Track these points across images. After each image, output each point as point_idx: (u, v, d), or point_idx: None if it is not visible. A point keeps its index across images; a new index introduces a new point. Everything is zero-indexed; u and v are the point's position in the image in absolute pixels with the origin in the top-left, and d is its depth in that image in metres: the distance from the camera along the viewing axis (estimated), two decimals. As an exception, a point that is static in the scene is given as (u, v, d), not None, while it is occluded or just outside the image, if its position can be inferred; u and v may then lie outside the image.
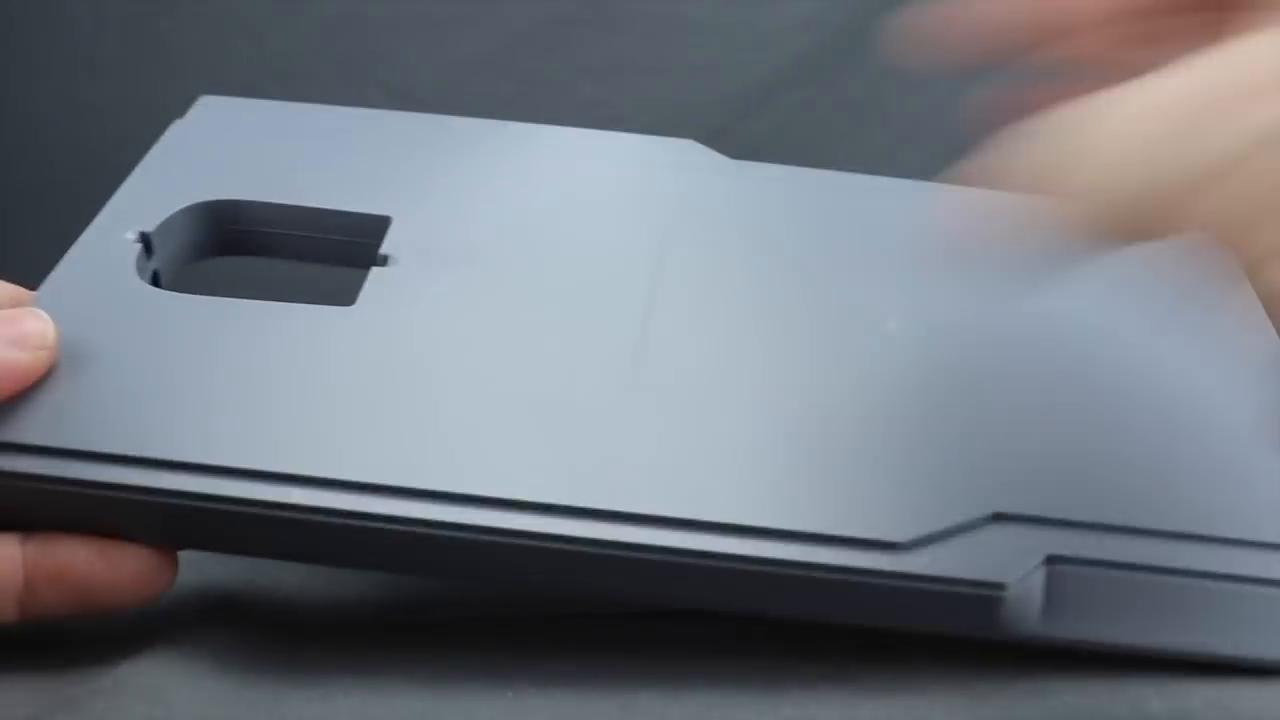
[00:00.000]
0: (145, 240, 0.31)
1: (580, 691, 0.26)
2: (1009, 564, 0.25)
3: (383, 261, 0.31)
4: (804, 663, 0.27)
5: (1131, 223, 0.22)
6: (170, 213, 0.31)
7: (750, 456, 0.27)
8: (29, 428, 0.26)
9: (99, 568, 0.25)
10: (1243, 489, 0.27)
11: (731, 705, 0.26)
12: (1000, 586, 0.25)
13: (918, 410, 0.28)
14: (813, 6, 0.58)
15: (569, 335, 0.29)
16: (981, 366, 0.30)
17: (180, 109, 0.36)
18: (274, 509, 0.25)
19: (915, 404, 0.28)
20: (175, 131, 0.34)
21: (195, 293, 0.29)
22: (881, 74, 0.59)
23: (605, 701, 0.26)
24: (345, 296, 0.30)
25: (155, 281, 0.31)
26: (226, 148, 0.34)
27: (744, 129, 0.58)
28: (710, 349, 0.29)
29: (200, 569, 0.30)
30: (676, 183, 0.34)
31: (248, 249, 0.33)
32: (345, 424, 0.26)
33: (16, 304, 0.28)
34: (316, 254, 0.33)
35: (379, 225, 0.32)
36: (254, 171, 0.33)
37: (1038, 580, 0.25)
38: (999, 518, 0.26)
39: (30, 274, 0.30)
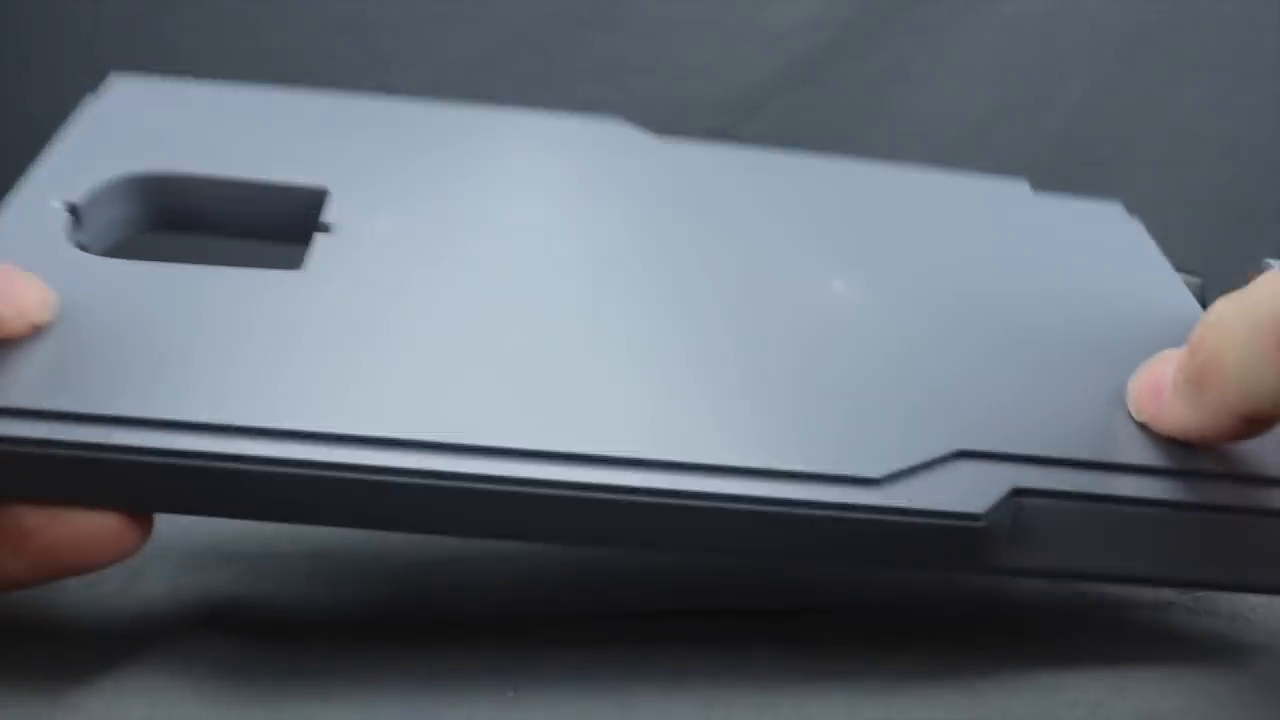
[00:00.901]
0: (74, 210, 0.30)
1: (580, 691, 0.26)
2: (980, 495, 0.26)
3: (325, 229, 0.30)
4: (804, 663, 0.27)
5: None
6: (98, 185, 0.31)
7: (722, 399, 0.27)
8: None
9: (60, 532, 0.25)
10: None
11: (731, 704, 0.26)
12: (975, 517, 0.25)
13: (876, 355, 0.29)
14: (813, 6, 0.58)
15: (525, 291, 0.29)
16: (938, 315, 0.30)
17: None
18: (237, 462, 0.24)
19: (873, 349, 0.29)
20: (92, 107, 0.34)
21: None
22: (881, 74, 0.59)
23: (605, 701, 0.26)
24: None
25: None
26: (149, 123, 0.33)
27: (744, 129, 0.58)
28: (668, 303, 0.29)
29: (200, 570, 0.30)
30: (610, 152, 0.35)
31: (179, 224, 0.32)
32: (306, 377, 0.26)
33: None
34: (252, 229, 0.32)
35: (316, 198, 0.31)
36: (181, 146, 0.33)
37: (1007, 513, 0.26)
38: (963, 454, 0.26)
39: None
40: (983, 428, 0.27)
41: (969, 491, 0.26)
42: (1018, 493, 0.26)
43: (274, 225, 0.32)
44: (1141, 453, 0.27)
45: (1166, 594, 0.30)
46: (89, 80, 0.34)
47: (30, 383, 0.25)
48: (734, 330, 0.29)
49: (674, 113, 0.58)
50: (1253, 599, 0.30)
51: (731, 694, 0.26)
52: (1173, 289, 0.33)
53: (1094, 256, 0.34)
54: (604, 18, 0.57)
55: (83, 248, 0.30)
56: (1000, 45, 0.59)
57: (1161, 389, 0.27)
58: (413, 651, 0.27)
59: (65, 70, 0.55)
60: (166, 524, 0.26)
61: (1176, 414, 0.26)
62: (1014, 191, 0.37)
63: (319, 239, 0.30)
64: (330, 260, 0.29)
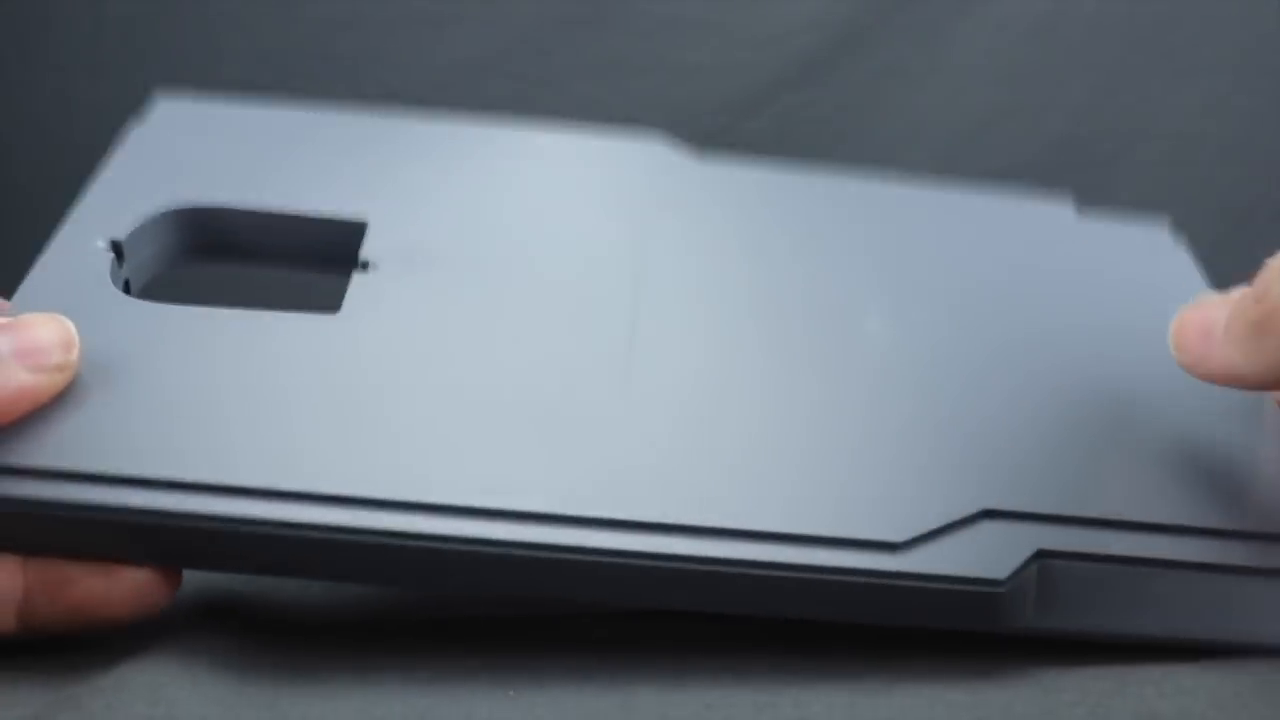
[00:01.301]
0: (116, 248, 0.30)
1: (580, 690, 0.26)
2: (1002, 560, 0.25)
3: (364, 267, 0.30)
4: (804, 662, 0.27)
5: None
6: (141, 219, 0.31)
7: (743, 459, 0.27)
8: (12, 449, 0.25)
9: (97, 585, 0.25)
10: (1225, 480, 0.28)
11: (731, 704, 0.26)
12: (997, 582, 0.25)
13: (902, 409, 0.29)
14: (813, 6, 0.57)
15: (558, 338, 0.29)
16: (964, 364, 0.30)
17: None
18: (270, 527, 0.25)
19: (899, 403, 0.29)
20: (136, 135, 0.34)
21: (164, 301, 0.29)
22: (881, 74, 0.59)
23: (605, 700, 0.26)
24: (316, 304, 0.29)
25: (126, 290, 0.30)
26: (191, 151, 0.33)
27: (744, 129, 0.58)
28: (697, 352, 0.30)
29: (200, 569, 0.30)
30: (648, 181, 0.35)
31: (220, 256, 0.33)
32: (340, 438, 0.26)
33: None
34: (292, 260, 0.33)
35: (355, 230, 0.32)
36: (222, 176, 0.33)
37: (1030, 575, 0.26)
38: (989, 514, 0.26)
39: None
40: (1011, 483, 0.27)
41: (991, 555, 0.25)
42: (1041, 555, 0.26)
43: (314, 258, 0.32)
44: (1173, 512, 0.27)
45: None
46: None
47: (67, 443, 0.25)
48: (760, 385, 0.29)
49: (674, 113, 0.58)
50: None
51: (731, 694, 0.26)
52: None
53: (1137, 293, 0.33)
54: (604, 18, 0.57)
55: (126, 284, 0.30)
56: (1000, 45, 0.59)
57: (1212, 331, 0.26)
58: (413, 651, 0.27)
59: (65, 70, 0.55)
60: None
61: (1229, 357, 0.26)
62: (1058, 216, 0.36)
63: (357, 279, 0.30)
64: (368, 304, 0.29)
